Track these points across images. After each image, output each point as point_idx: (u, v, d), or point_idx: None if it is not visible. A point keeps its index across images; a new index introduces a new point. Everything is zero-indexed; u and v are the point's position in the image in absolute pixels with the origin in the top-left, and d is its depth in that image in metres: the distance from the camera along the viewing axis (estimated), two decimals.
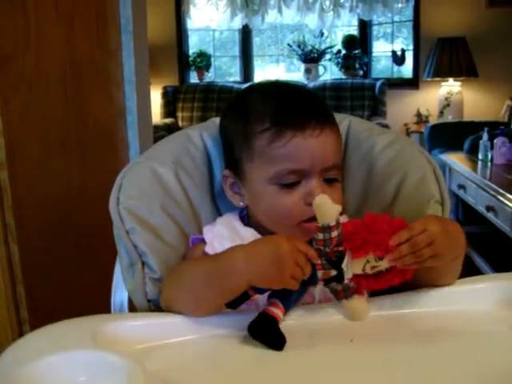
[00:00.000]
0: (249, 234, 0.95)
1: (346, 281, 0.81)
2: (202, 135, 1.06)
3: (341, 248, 0.80)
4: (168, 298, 0.88)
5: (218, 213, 1.05)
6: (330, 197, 0.89)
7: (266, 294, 0.83)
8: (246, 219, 1.00)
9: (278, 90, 1.01)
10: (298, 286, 0.79)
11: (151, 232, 0.95)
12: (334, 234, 0.79)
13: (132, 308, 1.01)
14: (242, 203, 0.98)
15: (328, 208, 0.80)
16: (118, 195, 0.97)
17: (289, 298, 0.82)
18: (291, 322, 0.83)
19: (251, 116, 0.94)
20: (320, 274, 0.80)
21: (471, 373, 0.71)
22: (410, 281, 0.83)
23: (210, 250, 0.94)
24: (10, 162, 1.65)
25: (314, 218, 0.89)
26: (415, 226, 0.80)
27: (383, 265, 0.80)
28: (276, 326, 0.79)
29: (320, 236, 0.79)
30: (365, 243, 0.79)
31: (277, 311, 0.80)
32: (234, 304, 0.82)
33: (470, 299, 0.88)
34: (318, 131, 0.90)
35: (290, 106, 0.93)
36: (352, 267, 0.80)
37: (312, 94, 1.04)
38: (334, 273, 0.79)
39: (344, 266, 0.80)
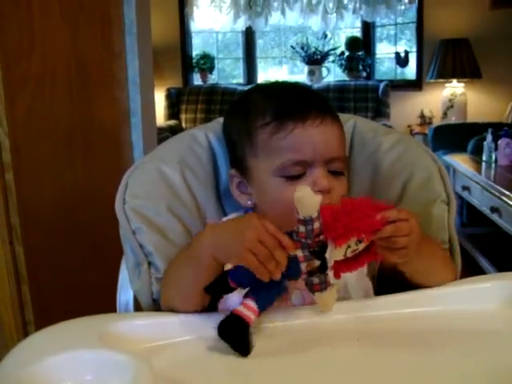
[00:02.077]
0: None
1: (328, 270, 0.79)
2: (207, 135, 1.06)
3: (322, 237, 0.77)
4: (165, 298, 0.90)
5: (224, 213, 1.05)
6: (335, 189, 0.90)
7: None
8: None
9: (278, 87, 1.03)
10: (257, 265, 0.75)
11: (157, 232, 0.96)
12: (316, 225, 0.76)
13: (137, 308, 1.01)
14: (249, 202, 0.98)
15: (310, 200, 0.77)
16: (124, 195, 0.97)
17: (265, 297, 0.78)
18: (297, 322, 0.83)
19: (252, 113, 0.94)
20: (304, 266, 0.77)
21: (477, 372, 0.71)
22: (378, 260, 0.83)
23: None
24: (16, 163, 1.65)
25: None
26: (401, 211, 0.79)
27: (361, 246, 0.78)
28: (245, 331, 0.76)
29: (302, 229, 0.77)
30: (347, 231, 0.76)
31: (248, 313, 0.77)
32: (212, 289, 0.80)
33: (476, 298, 0.88)
34: (319, 121, 0.90)
35: (290, 100, 0.93)
36: (334, 255, 0.78)
37: (313, 90, 1.05)
38: (317, 263, 0.78)
39: (327, 255, 0.78)
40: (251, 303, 0.77)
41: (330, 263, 0.79)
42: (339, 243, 0.77)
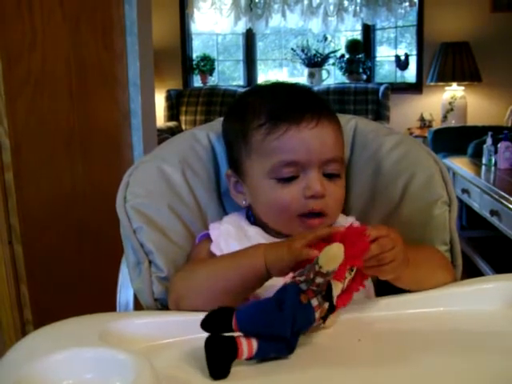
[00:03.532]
0: (255, 233, 0.96)
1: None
2: (209, 134, 1.06)
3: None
4: (180, 295, 0.87)
5: (224, 212, 1.05)
6: (330, 194, 0.91)
7: (268, 292, 0.83)
8: (253, 218, 1.00)
9: (275, 88, 1.02)
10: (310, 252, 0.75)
11: (158, 231, 0.95)
12: (330, 277, 0.75)
13: (137, 307, 1.01)
14: (244, 202, 0.98)
15: (339, 256, 0.74)
16: (125, 193, 0.97)
17: (268, 349, 0.72)
18: None
19: (248, 114, 0.94)
20: (317, 313, 0.74)
21: (478, 373, 0.71)
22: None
23: (215, 248, 0.94)
24: (15, 163, 1.65)
25: (313, 214, 0.89)
26: (379, 228, 0.79)
27: (353, 273, 0.78)
28: (230, 360, 0.71)
29: (319, 280, 0.74)
30: (346, 262, 0.75)
31: (245, 350, 0.71)
32: (209, 325, 0.73)
33: (478, 299, 0.88)
34: (314, 123, 0.90)
35: (285, 102, 0.93)
36: (336, 291, 0.76)
37: (310, 90, 1.04)
38: (326, 306, 0.75)
39: (334, 294, 0.76)
40: (254, 344, 0.71)
41: (335, 301, 0.77)
42: (341, 277, 0.76)
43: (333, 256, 0.73)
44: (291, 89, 1.01)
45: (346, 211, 1.05)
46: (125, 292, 1.04)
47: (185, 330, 0.81)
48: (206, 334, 0.76)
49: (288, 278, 0.77)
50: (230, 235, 0.95)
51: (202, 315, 0.82)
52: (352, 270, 0.77)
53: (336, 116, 0.97)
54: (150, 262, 0.94)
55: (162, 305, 0.93)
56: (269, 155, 0.90)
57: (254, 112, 0.93)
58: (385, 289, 0.91)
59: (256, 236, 0.95)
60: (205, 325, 0.71)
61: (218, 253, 0.93)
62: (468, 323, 0.84)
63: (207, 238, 0.96)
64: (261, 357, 0.72)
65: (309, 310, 0.73)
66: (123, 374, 0.66)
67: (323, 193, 0.90)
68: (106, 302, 1.05)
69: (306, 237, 0.79)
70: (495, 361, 0.73)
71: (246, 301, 0.86)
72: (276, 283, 0.83)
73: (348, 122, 1.08)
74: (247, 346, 0.71)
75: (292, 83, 1.05)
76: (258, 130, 0.91)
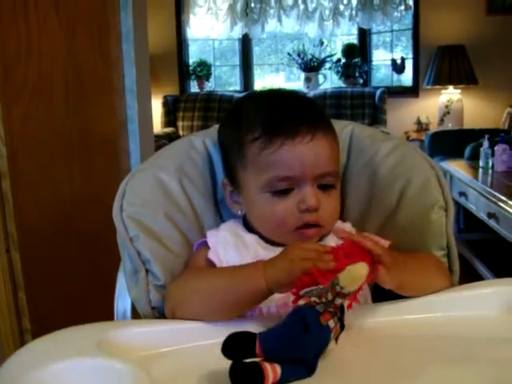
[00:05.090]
0: (253, 241, 0.95)
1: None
2: (205, 141, 1.06)
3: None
4: (176, 304, 0.87)
5: (221, 219, 1.05)
6: (324, 206, 0.91)
7: (267, 305, 0.82)
8: (250, 226, 0.99)
9: (270, 97, 1.01)
10: (311, 266, 0.76)
11: (155, 239, 0.95)
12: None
13: (135, 316, 1.01)
14: (240, 212, 0.98)
15: (364, 277, 0.73)
16: (122, 202, 0.96)
17: (291, 372, 0.70)
18: None
19: (244, 125, 0.94)
20: (333, 334, 0.73)
21: (477, 378, 0.71)
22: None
23: (213, 256, 0.94)
24: (12, 170, 1.65)
25: (309, 225, 0.89)
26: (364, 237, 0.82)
27: None
28: None
29: (338, 301, 0.73)
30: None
31: (271, 375, 0.68)
32: (232, 351, 0.69)
33: (476, 304, 0.87)
34: (309, 137, 0.90)
35: (280, 114, 0.92)
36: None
37: (307, 99, 1.03)
38: (338, 326, 0.74)
39: (345, 313, 0.75)
40: (278, 369, 0.69)
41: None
42: (355, 297, 0.75)
43: (358, 276, 0.73)
44: (286, 98, 1.00)
45: (342, 217, 1.05)
46: (122, 300, 1.04)
47: (182, 338, 0.81)
48: (204, 342, 0.76)
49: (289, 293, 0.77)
50: (228, 242, 0.95)
51: (199, 324, 0.82)
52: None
53: (331, 126, 0.96)
54: (147, 271, 0.94)
55: (160, 313, 0.93)
56: (264, 170, 0.91)
57: (248, 124, 0.93)
58: (382, 296, 0.91)
59: (253, 243, 0.95)
60: (225, 350, 0.69)
61: (215, 260, 0.93)
62: (467, 328, 0.84)
63: (205, 246, 0.96)
64: (283, 381, 0.70)
65: (327, 331, 0.72)
66: None
67: (317, 206, 0.90)
68: (104, 310, 1.05)
69: (304, 248, 0.80)
70: (494, 367, 0.73)
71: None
72: (275, 297, 0.83)
73: (344, 128, 1.08)
74: (272, 371, 0.69)
75: (288, 91, 1.04)
76: (253, 143, 0.91)
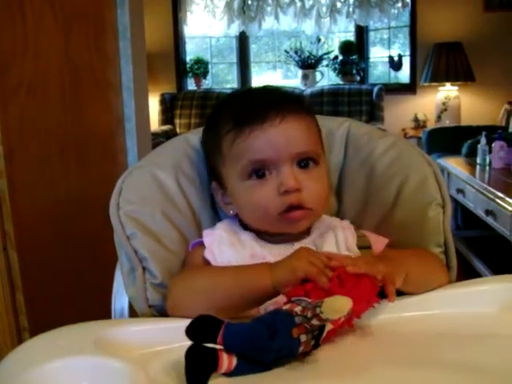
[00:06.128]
0: (249, 238, 0.95)
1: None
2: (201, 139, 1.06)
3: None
4: (177, 303, 0.87)
5: (218, 217, 1.05)
6: (307, 183, 0.90)
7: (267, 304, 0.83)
8: (244, 223, 0.99)
9: (242, 94, 1.03)
10: (317, 271, 0.77)
11: (152, 237, 0.95)
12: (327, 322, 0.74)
13: (132, 314, 1.01)
14: (232, 212, 0.98)
15: (345, 312, 0.73)
16: (118, 200, 0.96)
17: (246, 368, 0.71)
18: None
19: (219, 123, 0.95)
20: (301, 349, 0.72)
21: (475, 375, 0.71)
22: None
23: (208, 255, 0.94)
24: (9, 170, 1.64)
25: (293, 207, 0.89)
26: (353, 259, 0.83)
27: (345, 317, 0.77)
28: (208, 371, 0.69)
29: (315, 322, 0.72)
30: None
31: (224, 364, 0.69)
32: (194, 332, 0.70)
33: (474, 301, 0.87)
34: (278, 121, 0.89)
35: (249, 105, 0.93)
36: (326, 329, 0.75)
37: (279, 89, 1.05)
38: (312, 343, 0.73)
39: (323, 335, 0.74)
40: (234, 361, 0.70)
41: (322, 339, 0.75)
42: (338, 324, 0.75)
43: (339, 309, 0.72)
44: (259, 92, 1.01)
45: (340, 215, 1.05)
46: (119, 299, 1.04)
47: (180, 336, 0.80)
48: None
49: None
50: (223, 241, 0.95)
51: None
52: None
53: (306, 110, 0.96)
54: (143, 269, 0.94)
55: (157, 311, 0.93)
56: (238, 159, 0.91)
57: (223, 121, 0.94)
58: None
59: (249, 241, 0.95)
60: (189, 331, 0.70)
61: (211, 259, 0.93)
62: (464, 325, 0.84)
63: (201, 245, 0.96)
64: (236, 375, 0.70)
65: (296, 344, 0.71)
66: (118, 383, 0.65)
67: (297, 186, 0.89)
68: (101, 309, 1.04)
69: (314, 253, 0.81)
70: (492, 364, 0.73)
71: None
72: (277, 299, 0.83)
73: (341, 125, 1.08)
74: (227, 360, 0.69)
75: (264, 86, 1.04)
76: (227, 136, 0.92)
